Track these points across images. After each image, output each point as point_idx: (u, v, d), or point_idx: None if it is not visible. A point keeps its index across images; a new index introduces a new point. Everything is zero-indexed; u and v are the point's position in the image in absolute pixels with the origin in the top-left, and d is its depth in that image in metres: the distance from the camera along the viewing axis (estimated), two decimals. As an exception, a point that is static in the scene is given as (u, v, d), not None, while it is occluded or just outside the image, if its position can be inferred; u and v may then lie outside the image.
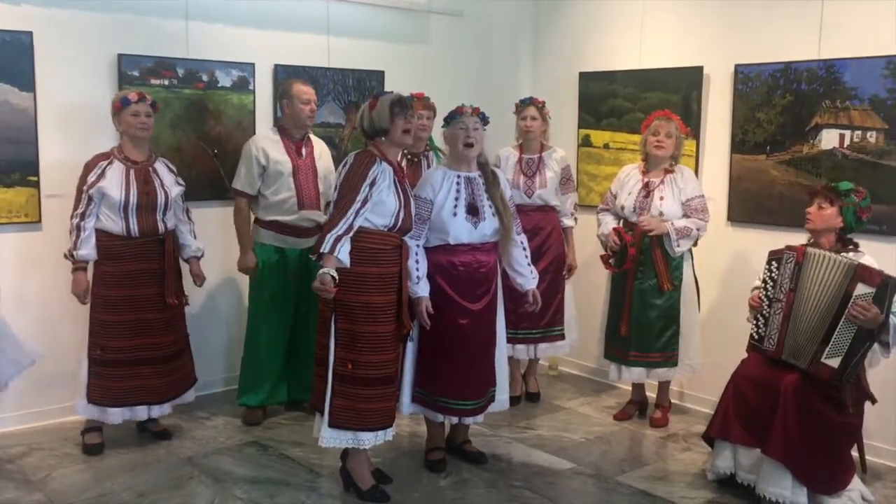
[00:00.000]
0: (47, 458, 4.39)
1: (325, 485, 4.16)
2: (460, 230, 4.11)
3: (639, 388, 5.19)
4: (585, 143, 5.95)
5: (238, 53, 5.23)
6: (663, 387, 5.12)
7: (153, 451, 4.50)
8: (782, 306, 4.00)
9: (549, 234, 5.22)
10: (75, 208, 4.30)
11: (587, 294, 5.53)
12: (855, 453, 4.14)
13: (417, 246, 4.08)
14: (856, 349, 3.78)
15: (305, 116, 4.78)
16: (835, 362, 3.80)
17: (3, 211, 4.58)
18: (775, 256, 4.11)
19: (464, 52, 6.17)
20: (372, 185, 3.76)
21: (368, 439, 3.87)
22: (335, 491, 4.08)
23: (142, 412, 4.50)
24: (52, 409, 4.80)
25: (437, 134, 4.63)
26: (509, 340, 4.73)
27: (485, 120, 4.24)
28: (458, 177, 4.18)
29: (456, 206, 4.11)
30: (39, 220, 4.68)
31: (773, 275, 4.08)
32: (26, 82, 4.56)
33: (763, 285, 4.14)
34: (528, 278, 4.32)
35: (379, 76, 5.77)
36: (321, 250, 3.65)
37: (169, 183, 4.49)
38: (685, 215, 4.80)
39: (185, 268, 4.65)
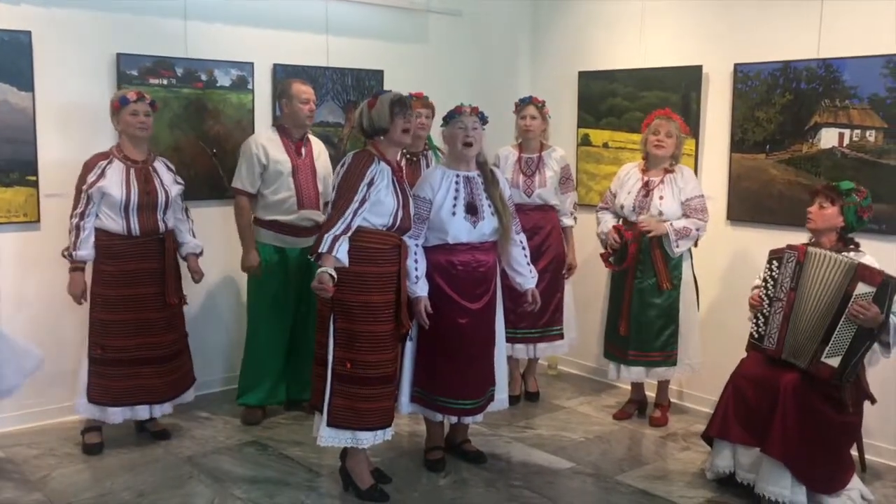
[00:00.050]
0: (46, 457, 4.39)
1: (324, 484, 4.16)
2: (459, 229, 4.11)
3: (638, 387, 5.19)
4: (585, 142, 5.94)
5: (237, 53, 5.23)
6: (663, 386, 5.12)
7: (152, 450, 4.50)
8: (783, 305, 4.00)
9: (549, 233, 5.22)
10: (75, 208, 4.30)
11: (587, 293, 5.53)
12: (854, 452, 4.15)
13: (416, 245, 4.08)
14: (856, 348, 3.77)
15: (304, 116, 4.78)
16: (834, 361, 3.80)
17: (1, 211, 4.57)
18: (776, 255, 4.10)
19: (463, 51, 6.17)
20: (370, 184, 3.76)
21: (367, 439, 3.87)
22: (334, 491, 4.08)
23: (142, 412, 4.50)
24: (51, 409, 4.80)
25: (436, 133, 4.63)
26: (508, 340, 4.72)
27: (484, 119, 4.23)
28: (457, 176, 4.18)
29: (455, 206, 4.11)
30: (38, 220, 4.68)
31: (774, 274, 4.08)
32: (25, 82, 4.55)
33: (763, 284, 4.13)
34: (527, 278, 4.32)
35: (378, 75, 5.77)
36: (319, 250, 3.65)
37: (168, 182, 4.49)
38: (684, 215, 4.79)
39: (183, 267, 4.64)
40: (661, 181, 4.82)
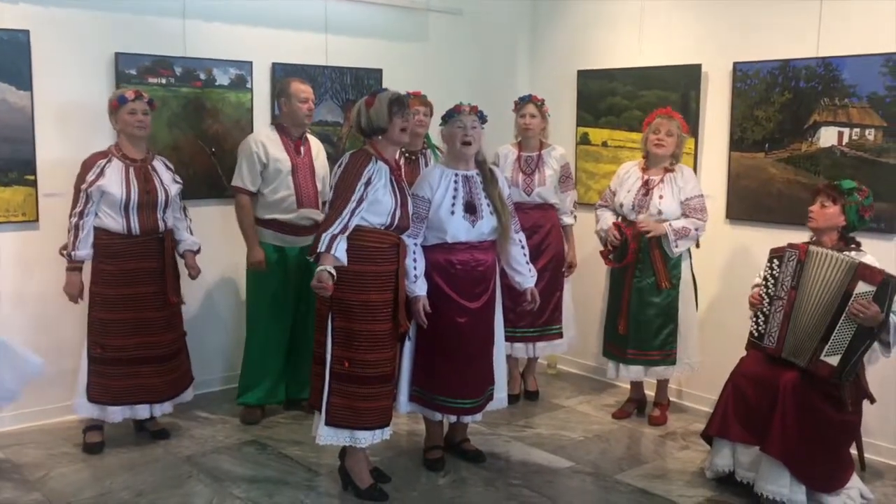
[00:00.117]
0: (46, 457, 4.39)
1: (323, 484, 4.16)
2: (458, 229, 4.10)
3: (637, 386, 5.19)
4: (584, 141, 5.94)
5: (236, 52, 5.22)
6: (662, 385, 5.12)
7: (151, 450, 4.50)
8: (783, 304, 4.00)
9: (549, 231, 5.22)
10: (73, 207, 4.30)
11: (586, 292, 5.52)
12: (854, 451, 4.14)
13: (415, 245, 4.08)
14: (855, 347, 3.77)
15: (303, 115, 4.77)
16: (834, 360, 3.80)
17: (0, 210, 4.57)
18: (777, 254, 4.10)
19: (462, 50, 6.16)
20: (367, 184, 3.75)
21: (365, 438, 3.87)
22: (334, 490, 4.08)
23: (142, 411, 4.50)
24: (50, 409, 4.79)
25: (435, 132, 4.63)
26: (507, 339, 4.72)
27: (483, 118, 4.23)
28: (456, 175, 4.17)
29: (454, 205, 4.11)
30: (37, 220, 4.67)
31: (775, 272, 4.07)
32: (23, 81, 4.55)
33: (764, 283, 4.13)
34: (526, 277, 4.32)
35: (377, 74, 5.77)
36: (318, 249, 3.64)
37: (168, 181, 4.49)
38: (684, 214, 4.79)
39: (181, 267, 4.63)
40: (661, 180, 4.82)
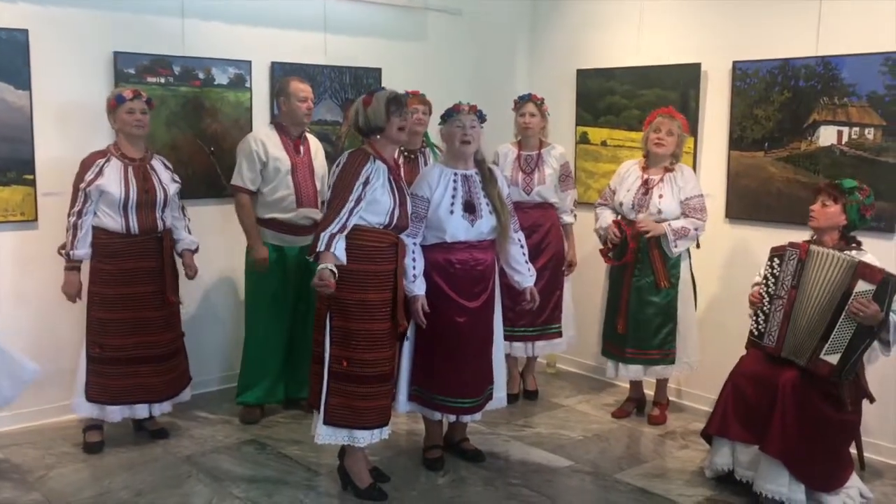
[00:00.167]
0: (45, 457, 4.38)
1: (323, 483, 4.16)
2: (457, 228, 4.10)
3: (637, 385, 5.19)
4: (583, 140, 5.94)
5: (234, 51, 5.22)
6: (661, 384, 5.11)
7: (151, 449, 4.50)
8: (783, 303, 4.00)
9: (548, 230, 5.21)
10: (72, 206, 4.29)
11: (585, 291, 5.52)
12: (854, 451, 4.14)
13: (414, 244, 4.08)
14: (855, 346, 3.77)
15: (302, 114, 4.77)
16: (834, 359, 3.80)
17: (-1, 209, 4.58)
18: (777, 253, 4.10)
19: (461, 49, 6.16)
20: (365, 183, 3.75)
21: (364, 437, 3.87)
22: (333, 490, 4.08)
23: (141, 410, 4.50)
24: (49, 408, 4.79)
25: (434, 131, 4.62)
26: (507, 338, 4.72)
27: (482, 117, 4.22)
28: (455, 174, 4.17)
29: (453, 204, 4.10)
30: (36, 219, 4.67)
31: (775, 271, 4.07)
32: (22, 80, 4.54)
33: (764, 281, 4.13)
34: (525, 276, 4.31)
35: (376, 73, 5.76)
36: (318, 248, 3.64)
37: (166, 180, 4.49)
38: (683, 214, 4.79)
39: (179, 266, 4.63)
40: (661, 180, 4.81)
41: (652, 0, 5.50)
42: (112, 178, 4.29)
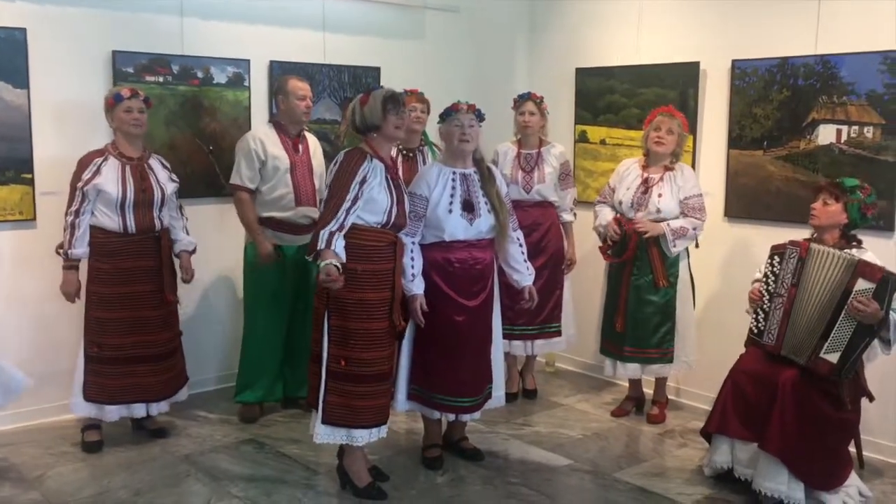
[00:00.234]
0: (43, 456, 4.38)
1: (321, 482, 4.15)
2: (456, 227, 4.10)
3: (636, 384, 5.19)
4: (582, 139, 5.94)
5: (233, 50, 5.21)
6: (660, 383, 5.11)
7: (149, 449, 4.49)
8: (783, 301, 3.99)
9: (548, 229, 5.21)
10: (69, 205, 4.29)
11: (584, 290, 5.52)
12: (853, 449, 4.14)
13: (413, 243, 4.07)
14: (855, 344, 3.77)
15: (301, 112, 4.76)
16: (834, 357, 3.79)
17: (-3, 209, 4.57)
18: (778, 251, 4.10)
19: (460, 47, 6.16)
20: (362, 183, 3.74)
21: (362, 436, 3.86)
22: (332, 489, 4.08)
23: (139, 410, 4.50)
24: (47, 408, 4.79)
25: (433, 130, 4.62)
26: (506, 337, 4.72)
27: (480, 116, 4.22)
28: (454, 173, 4.17)
29: (451, 203, 4.10)
30: (34, 218, 4.66)
31: (775, 269, 4.07)
32: (20, 79, 4.54)
33: (764, 280, 4.13)
34: (524, 275, 4.31)
35: (375, 72, 5.76)
36: (318, 246, 3.63)
37: (164, 179, 4.48)
38: (682, 213, 4.78)
39: (177, 266, 4.63)
40: (661, 179, 4.81)
41: (651, -2, 5.51)
42: (109, 178, 4.29)
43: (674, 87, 5.33)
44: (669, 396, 5.24)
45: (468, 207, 4.12)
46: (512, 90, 5.57)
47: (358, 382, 3.81)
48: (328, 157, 4.92)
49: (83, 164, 4.30)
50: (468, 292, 4.14)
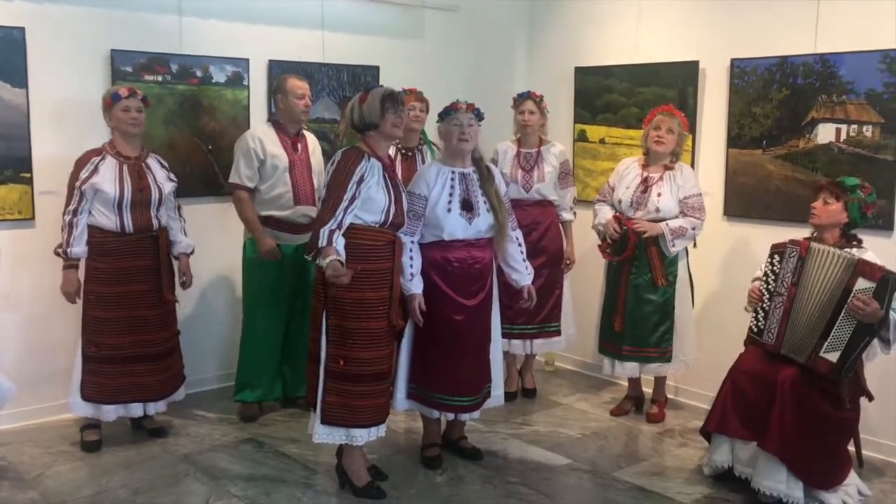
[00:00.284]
0: (42, 456, 4.38)
1: (321, 482, 4.15)
2: (455, 226, 4.09)
3: (635, 383, 5.18)
4: (581, 138, 5.93)
5: (232, 49, 5.21)
6: (659, 382, 5.11)
7: (148, 448, 4.49)
8: (783, 300, 3.99)
9: (547, 228, 5.21)
10: (67, 205, 4.28)
11: (584, 289, 5.51)
12: (852, 448, 4.14)
13: (412, 242, 4.07)
14: (855, 344, 3.77)
15: (300, 111, 4.76)
16: (834, 357, 3.79)
17: (-4, 208, 4.57)
18: (778, 250, 4.09)
19: (459, 47, 6.15)
20: (360, 182, 3.74)
21: (361, 436, 3.86)
22: (331, 488, 4.07)
23: (136, 409, 4.49)
24: (46, 407, 4.78)
25: (431, 128, 4.61)
26: (505, 336, 4.71)
27: (479, 116, 4.21)
28: (453, 172, 4.16)
29: (450, 202, 4.09)
30: (33, 217, 4.66)
31: (775, 268, 4.07)
32: (19, 78, 4.53)
33: (764, 278, 4.12)
34: (523, 274, 4.31)
35: (374, 71, 5.75)
36: (319, 244, 3.63)
37: (162, 179, 4.48)
38: (682, 213, 4.78)
39: (176, 266, 4.62)
40: (661, 178, 4.81)
41: (650, -3, 5.51)
42: (107, 177, 4.28)
43: (673, 86, 5.33)
44: (669, 395, 5.24)
45: (467, 207, 4.12)
46: (511, 89, 5.57)
47: (356, 382, 3.81)
48: (327, 156, 4.92)
49: (81, 163, 4.29)
50: (467, 291, 4.14)
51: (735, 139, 5.06)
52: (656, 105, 5.00)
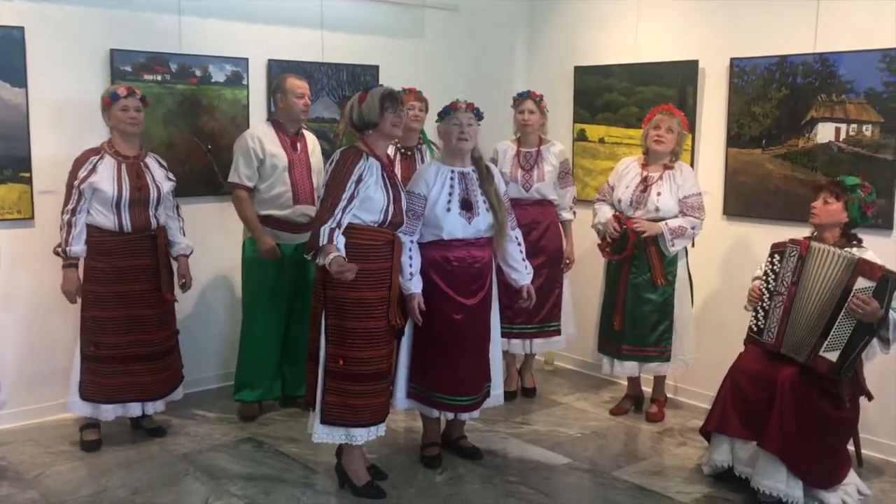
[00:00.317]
0: (42, 455, 4.37)
1: (320, 481, 4.15)
2: (454, 225, 4.09)
3: (634, 382, 5.18)
4: (581, 137, 5.93)
5: (231, 48, 5.21)
6: (659, 381, 5.11)
7: (148, 448, 4.49)
8: (783, 300, 3.99)
9: (547, 228, 5.21)
10: (66, 204, 4.28)
11: (583, 289, 5.51)
12: (852, 448, 4.14)
13: (411, 242, 4.07)
14: (855, 343, 3.77)
15: (300, 111, 4.76)
16: (833, 356, 3.79)
17: (-5, 207, 4.56)
18: (778, 249, 4.09)
19: (459, 46, 6.15)
20: (358, 181, 3.74)
21: (361, 435, 3.86)
22: (330, 488, 4.07)
23: (135, 409, 4.49)
24: (45, 407, 4.78)
25: (431, 128, 4.61)
26: (505, 335, 4.71)
27: (479, 115, 4.21)
28: (452, 172, 4.16)
29: (450, 202, 4.09)
30: (32, 217, 4.65)
31: (775, 268, 4.07)
32: (18, 78, 4.53)
33: (764, 278, 4.12)
34: (522, 274, 4.31)
35: (373, 71, 5.75)
36: (320, 243, 3.63)
37: (160, 178, 4.48)
38: (681, 212, 4.78)
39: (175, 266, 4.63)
40: (660, 177, 4.81)
41: (649, -3, 5.51)
42: (105, 176, 4.28)
43: (672, 85, 5.33)
44: (668, 395, 5.24)
45: (467, 206, 4.11)
46: (511, 88, 5.57)
47: (356, 381, 3.81)
48: (326, 156, 4.92)
49: (79, 162, 4.29)
50: (467, 291, 4.14)
51: (734, 138, 5.06)
52: (656, 104, 5.00)
